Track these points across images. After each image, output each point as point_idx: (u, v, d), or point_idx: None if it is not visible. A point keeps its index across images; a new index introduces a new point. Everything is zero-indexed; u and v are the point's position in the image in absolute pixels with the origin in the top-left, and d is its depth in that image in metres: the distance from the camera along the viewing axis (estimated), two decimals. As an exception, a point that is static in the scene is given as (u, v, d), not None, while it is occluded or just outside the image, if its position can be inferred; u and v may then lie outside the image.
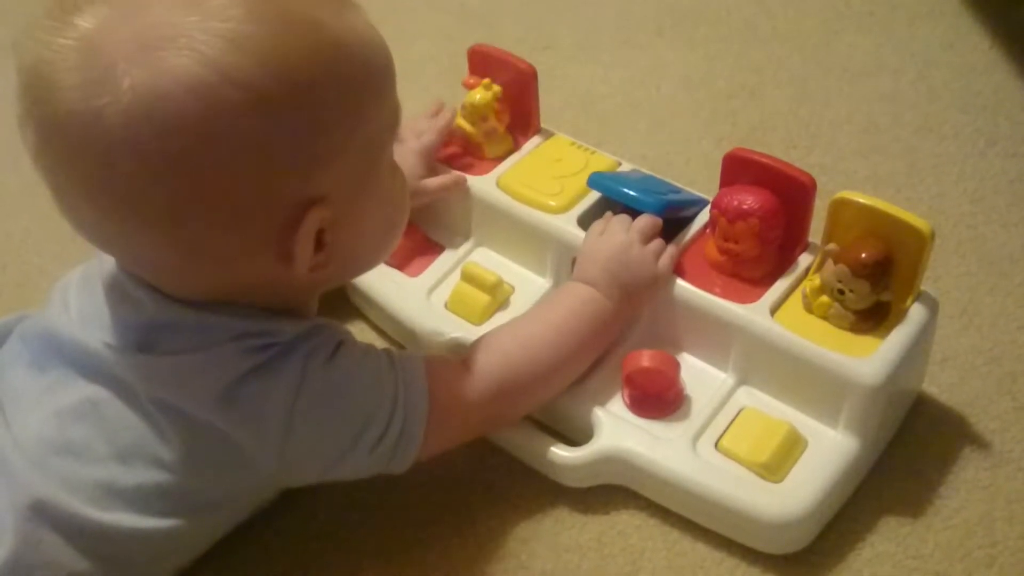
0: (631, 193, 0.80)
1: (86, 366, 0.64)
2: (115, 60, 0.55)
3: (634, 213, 0.80)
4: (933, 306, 0.73)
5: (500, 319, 0.82)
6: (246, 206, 0.58)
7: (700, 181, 0.86)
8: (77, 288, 0.68)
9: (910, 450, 0.76)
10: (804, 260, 0.77)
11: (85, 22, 0.56)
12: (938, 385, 0.80)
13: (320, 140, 0.59)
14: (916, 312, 0.72)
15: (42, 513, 0.61)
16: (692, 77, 1.13)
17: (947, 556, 0.71)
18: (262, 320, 0.64)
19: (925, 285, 0.73)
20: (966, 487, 0.74)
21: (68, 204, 0.60)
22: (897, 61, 1.13)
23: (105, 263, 0.66)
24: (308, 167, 0.59)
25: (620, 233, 0.78)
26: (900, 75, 1.11)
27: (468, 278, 0.84)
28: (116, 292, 0.65)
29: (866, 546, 0.71)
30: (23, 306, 0.74)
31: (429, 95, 1.09)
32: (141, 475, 0.63)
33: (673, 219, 0.81)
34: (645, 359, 0.74)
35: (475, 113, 0.87)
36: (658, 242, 0.78)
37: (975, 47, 1.14)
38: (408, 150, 0.85)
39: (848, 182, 0.96)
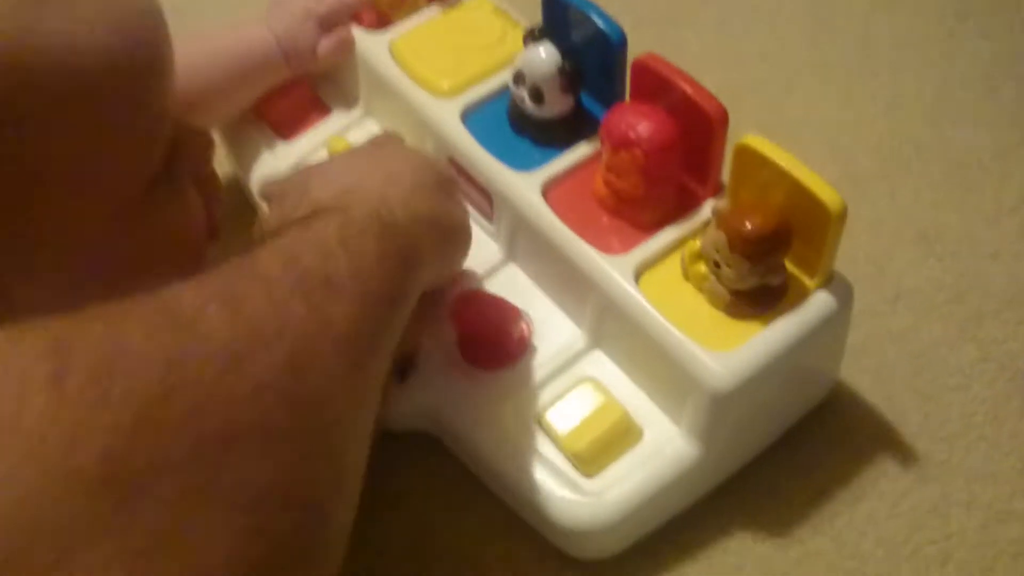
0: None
1: None
2: None
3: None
4: (844, 295, 0.58)
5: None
6: None
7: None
8: None
9: (837, 423, 0.64)
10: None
11: None
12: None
13: None
14: (815, 303, 0.57)
15: None
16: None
17: (891, 554, 0.58)
18: None
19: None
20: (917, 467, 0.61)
21: None
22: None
23: None
24: None
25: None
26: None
27: (333, 154, 0.71)
28: None
29: (794, 543, 0.59)
30: None
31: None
32: None
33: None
34: (475, 303, 0.61)
35: None
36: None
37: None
38: (308, 11, 0.73)
39: (792, 74, 0.82)
